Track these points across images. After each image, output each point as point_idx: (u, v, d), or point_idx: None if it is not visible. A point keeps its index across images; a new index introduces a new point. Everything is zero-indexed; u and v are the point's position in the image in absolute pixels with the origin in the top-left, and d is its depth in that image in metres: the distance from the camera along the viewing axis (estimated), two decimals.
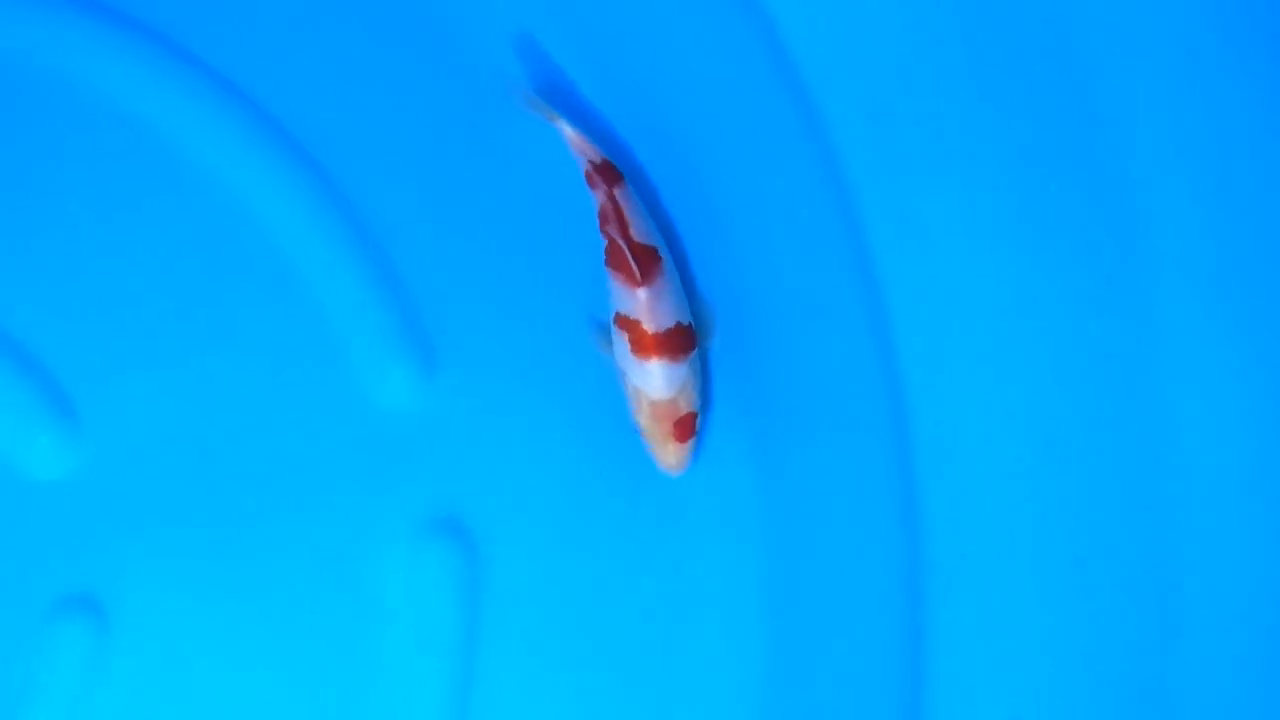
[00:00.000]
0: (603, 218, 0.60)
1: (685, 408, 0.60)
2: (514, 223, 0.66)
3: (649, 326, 0.59)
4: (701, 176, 0.64)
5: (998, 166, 0.60)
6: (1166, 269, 0.59)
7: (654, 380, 0.59)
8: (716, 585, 0.63)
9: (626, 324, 0.60)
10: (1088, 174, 0.60)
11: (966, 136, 0.60)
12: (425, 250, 0.66)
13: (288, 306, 0.66)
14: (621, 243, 0.58)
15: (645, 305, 0.59)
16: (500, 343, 0.65)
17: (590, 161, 0.60)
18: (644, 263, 0.59)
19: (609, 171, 0.60)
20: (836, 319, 0.63)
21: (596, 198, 0.60)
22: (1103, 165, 0.60)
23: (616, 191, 0.59)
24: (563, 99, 0.64)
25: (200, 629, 0.64)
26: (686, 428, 0.60)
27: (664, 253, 0.60)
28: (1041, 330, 0.60)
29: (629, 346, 0.60)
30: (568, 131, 0.60)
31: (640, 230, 0.59)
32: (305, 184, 0.66)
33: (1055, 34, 0.60)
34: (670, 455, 0.60)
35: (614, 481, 0.64)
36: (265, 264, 0.66)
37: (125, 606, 0.64)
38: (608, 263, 0.60)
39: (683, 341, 0.60)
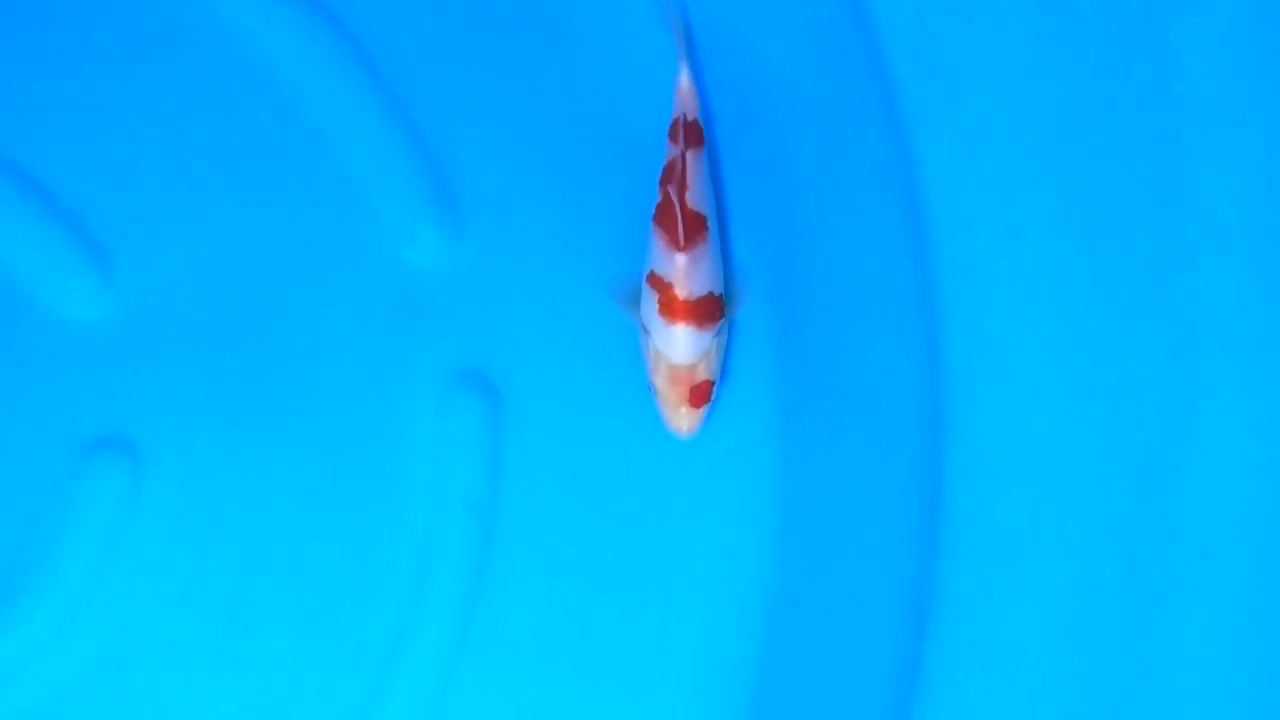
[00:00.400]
0: (668, 173, 0.60)
1: (703, 375, 0.60)
2: (546, 85, 0.68)
3: (681, 291, 0.59)
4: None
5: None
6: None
7: (677, 345, 0.59)
8: (733, 443, 0.65)
9: (660, 285, 0.60)
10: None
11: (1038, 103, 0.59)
12: (454, 111, 0.68)
13: (317, 165, 0.68)
14: (676, 204, 0.59)
15: (682, 270, 0.59)
16: (527, 204, 0.67)
17: (686, 115, 0.61)
18: (691, 228, 0.59)
19: (696, 132, 0.60)
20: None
21: (670, 151, 0.60)
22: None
23: (691, 154, 0.60)
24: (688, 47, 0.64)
25: (231, 471, 0.66)
26: (702, 395, 0.60)
27: (712, 222, 0.61)
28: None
29: (658, 308, 0.60)
30: (684, 78, 0.61)
31: (697, 196, 0.60)
32: (334, 43, 0.67)
33: None
34: (682, 420, 0.60)
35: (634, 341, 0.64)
36: (295, 122, 0.68)
37: (159, 447, 0.66)
38: (655, 219, 0.60)
39: (712, 311, 0.60)
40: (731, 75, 0.65)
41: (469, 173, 0.68)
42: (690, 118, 0.61)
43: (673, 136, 0.61)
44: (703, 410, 0.61)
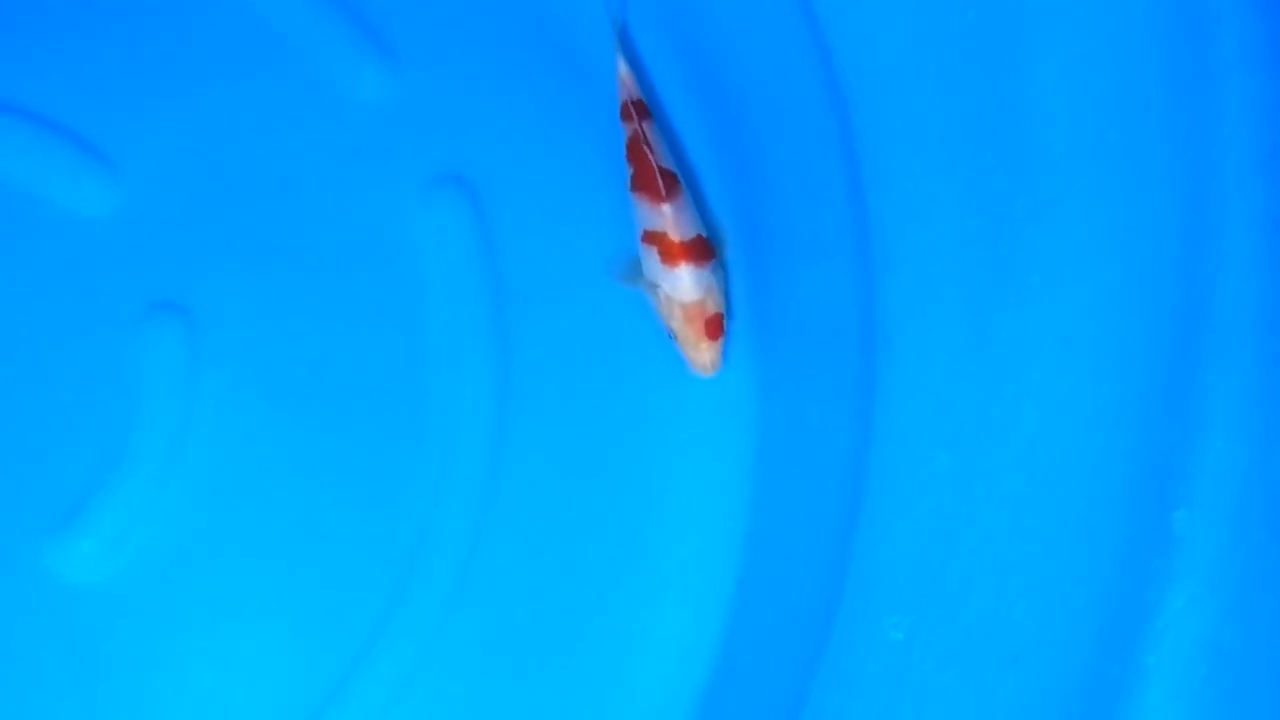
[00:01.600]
0: (632, 147, 0.68)
1: (713, 308, 0.66)
2: None
3: (675, 236, 0.66)
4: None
5: None
6: None
7: (684, 283, 0.66)
8: None
9: (655, 238, 0.67)
10: None
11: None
12: None
13: (268, 43, 0.77)
14: (652, 162, 0.66)
15: (670, 218, 0.66)
16: (456, 31, 0.77)
17: (631, 97, 0.69)
18: (668, 182, 0.66)
19: (643, 108, 0.69)
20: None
21: (627, 130, 0.69)
22: None
23: (646, 125, 0.68)
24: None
25: (268, 315, 0.75)
26: (716, 326, 0.66)
27: (681, 179, 0.68)
28: None
29: (659, 257, 0.66)
30: (623, 68, 0.70)
31: (665, 157, 0.68)
32: None
33: None
34: (704, 353, 0.66)
35: (596, 130, 0.73)
36: (245, 20, 0.77)
37: (203, 303, 0.75)
38: (633, 187, 0.68)
39: (705, 249, 0.67)
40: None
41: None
42: (635, 97, 0.69)
43: (625, 116, 0.69)
44: (720, 342, 0.67)
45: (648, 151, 0.67)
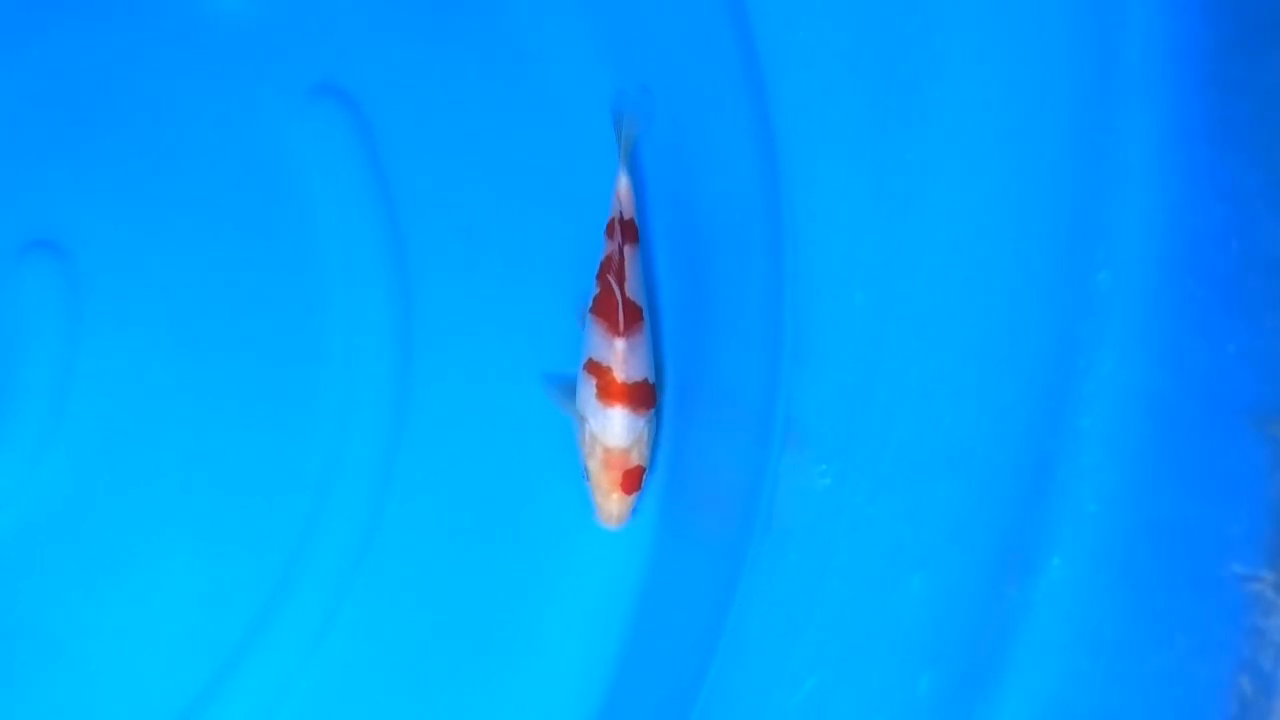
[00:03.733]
0: (605, 266, 0.63)
1: (636, 460, 0.62)
2: None
3: (619, 375, 0.62)
4: None
5: None
6: None
7: (614, 427, 0.61)
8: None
9: (598, 370, 0.62)
10: None
11: None
12: None
13: None
14: (617, 293, 0.62)
15: (620, 355, 0.62)
16: None
17: (622, 215, 0.64)
18: (629, 316, 0.62)
19: (632, 230, 0.64)
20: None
21: (608, 246, 0.64)
22: None
23: (628, 249, 0.63)
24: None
25: (148, 240, 0.71)
26: (634, 480, 0.62)
27: (646, 315, 0.63)
28: None
29: (595, 392, 0.62)
30: (623, 181, 0.64)
31: (634, 288, 0.63)
32: None
33: None
34: (613, 505, 0.62)
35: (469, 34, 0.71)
36: None
37: (77, 238, 0.71)
38: (593, 310, 0.63)
39: (646, 396, 0.62)
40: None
41: None
42: (627, 216, 0.64)
43: (610, 234, 0.64)
44: (633, 497, 0.62)
45: (616, 280, 0.62)
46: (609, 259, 0.63)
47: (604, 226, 0.64)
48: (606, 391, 0.62)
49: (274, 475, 0.69)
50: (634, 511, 0.63)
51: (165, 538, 0.68)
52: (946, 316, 0.48)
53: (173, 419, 0.70)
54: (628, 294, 0.62)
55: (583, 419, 0.63)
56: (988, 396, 0.42)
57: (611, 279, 0.62)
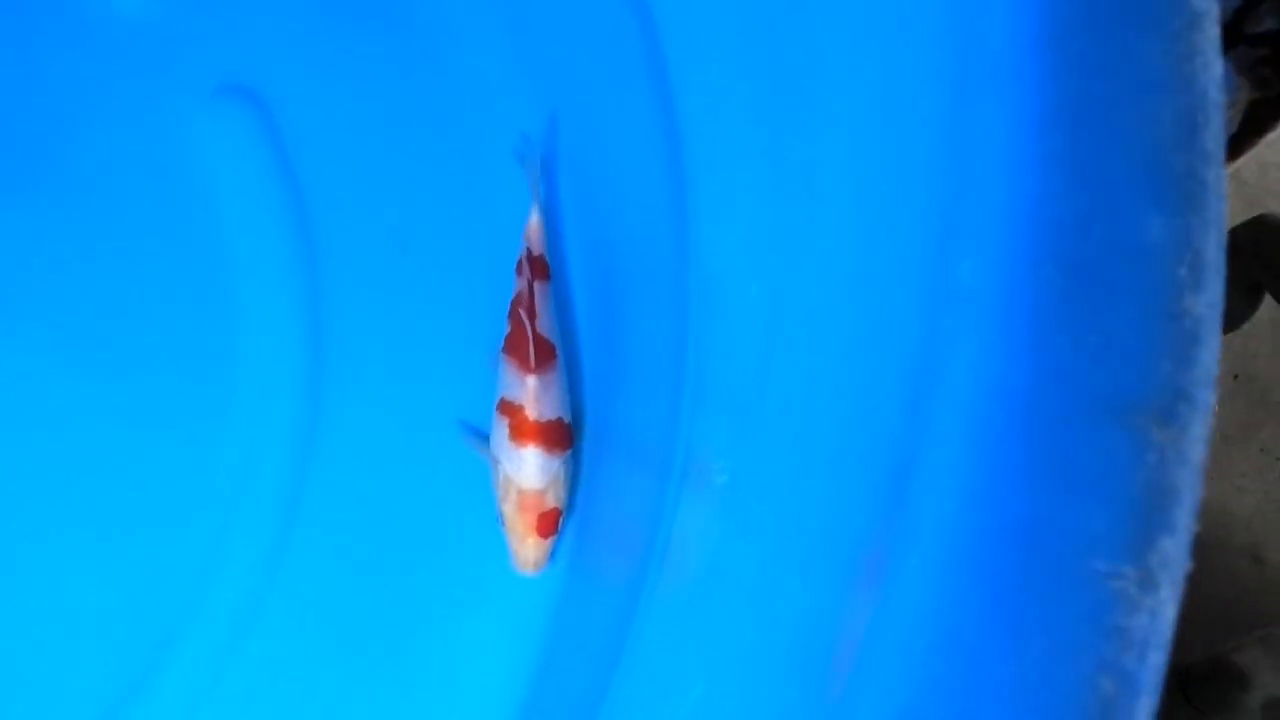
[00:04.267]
0: (516, 303, 0.61)
1: (552, 503, 0.60)
2: None
3: (532, 414, 0.60)
4: None
5: None
6: None
7: (528, 468, 0.59)
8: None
9: (510, 410, 0.60)
10: None
11: None
12: None
13: None
14: (528, 329, 0.59)
15: (532, 392, 0.60)
16: None
17: (531, 251, 0.62)
18: (541, 353, 0.60)
19: (541, 266, 0.62)
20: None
21: (518, 283, 0.62)
22: None
23: (539, 285, 0.61)
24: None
25: (52, 247, 0.70)
26: (550, 523, 0.60)
27: (559, 352, 0.61)
28: None
29: (508, 432, 0.60)
30: (535, 217, 0.62)
31: (546, 324, 0.61)
32: None
33: None
34: (530, 550, 0.60)
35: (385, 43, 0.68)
36: None
37: None
38: (505, 348, 0.61)
39: (561, 436, 0.60)
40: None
41: None
42: (536, 252, 0.62)
43: (519, 270, 0.62)
44: (550, 541, 0.60)
45: (527, 315, 0.60)
46: (519, 295, 0.61)
47: (515, 263, 0.63)
48: (519, 431, 0.60)
49: (182, 489, 0.68)
50: (552, 557, 0.61)
51: (70, 553, 0.67)
52: (829, 309, 0.47)
53: (76, 431, 0.68)
54: (539, 330, 0.60)
55: (497, 461, 0.61)
56: (862, 392, 0.41)
57: (523, 314, 0.60)
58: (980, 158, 0.36)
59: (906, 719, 0.31)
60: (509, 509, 0.60)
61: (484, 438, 0.62)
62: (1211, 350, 0.32)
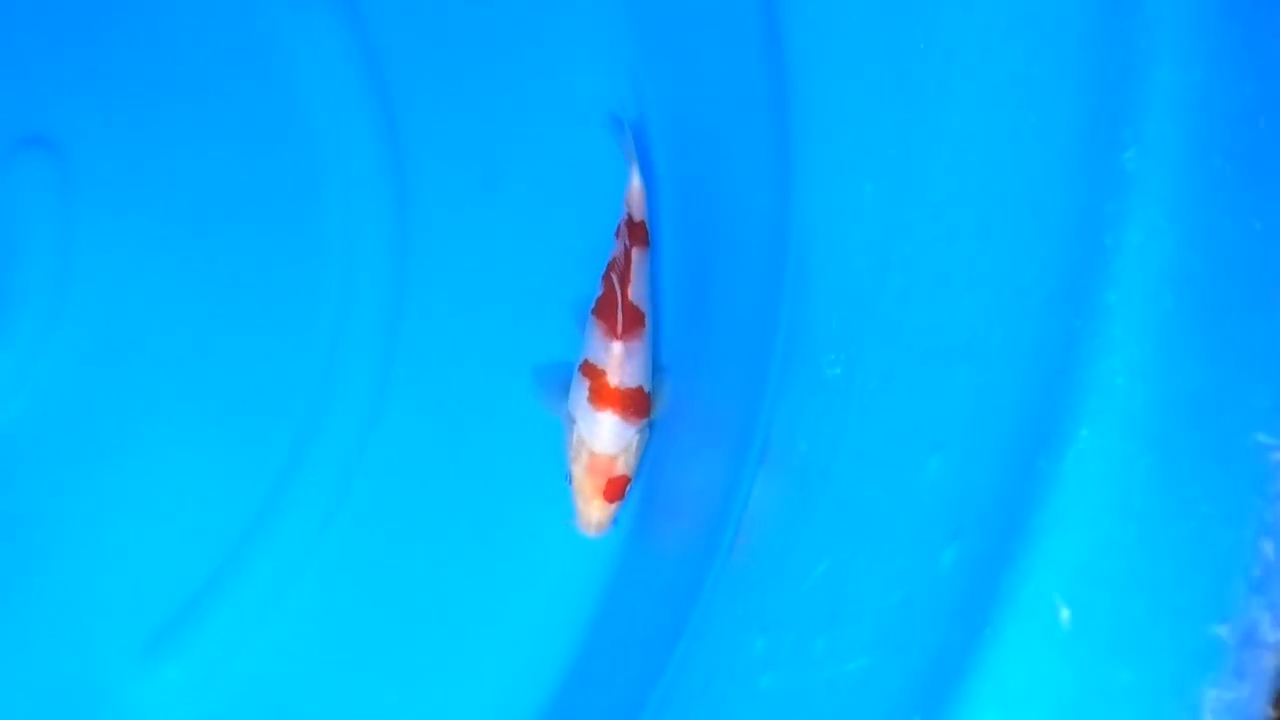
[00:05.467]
0: (611, 267, 0.62)
1: (621, 469, 0.60)
2: None
3: (614, 379, 0.60)
4: None
5: None
6: None
7: (602, 432, 0.60)
8: None
9: (592, 372, 0.61)
10: None
11: None
12: None
13: None
14: (619, 294, 0.60)
15: (617, 359, 0.60)
16: None
17: (632, 217, 0.62)
18: (629, 320, 0.60)
19: (642, 233, 0.62)
20: None
21: (616, 246, 0.62)
22: None
23: (636, 252, 0.61)
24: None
25: (144, 136, 0.72)
26: (618, 489, 0.60)
27: (649, 321, 0.62)
28: None
29: (588, 394, 0.61)
30: (635, 181, 0.62)
31: (639, 292, 0.61)
32: None
33: None
34: (594, 512, 0.60)
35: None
36: None
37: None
38: (594, 310, 0.62)
39: (639, 404, 0.61)
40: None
41: None
42: (638, 219, 0.62)
43: (619, 235, 0.62)
44: (615, 506, 0.61)
45: (620, 281, 0.61)
46: (615, 260, 0.62)
47: (615, 227, 0.63)
48: (599, 395, 0.60)
49: (274, 369, 0.70)
50: (614, 521, 0.62)
51: (167, 430, 0.69)
52: (963, 202, 0.48)
53: (172, 312, 0.70)
54: (630, 297, 0.61)
55: (572, 421, 0.62)
56: (1007, 278, 0.43)
57: (615, 279, 0.61)
58: (1145, 46, 0.37)
59: (1079, 575, 0.33)
60: (578, 470, 0.61)
61: (562, 393, 0.63)
62: None
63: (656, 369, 0.64)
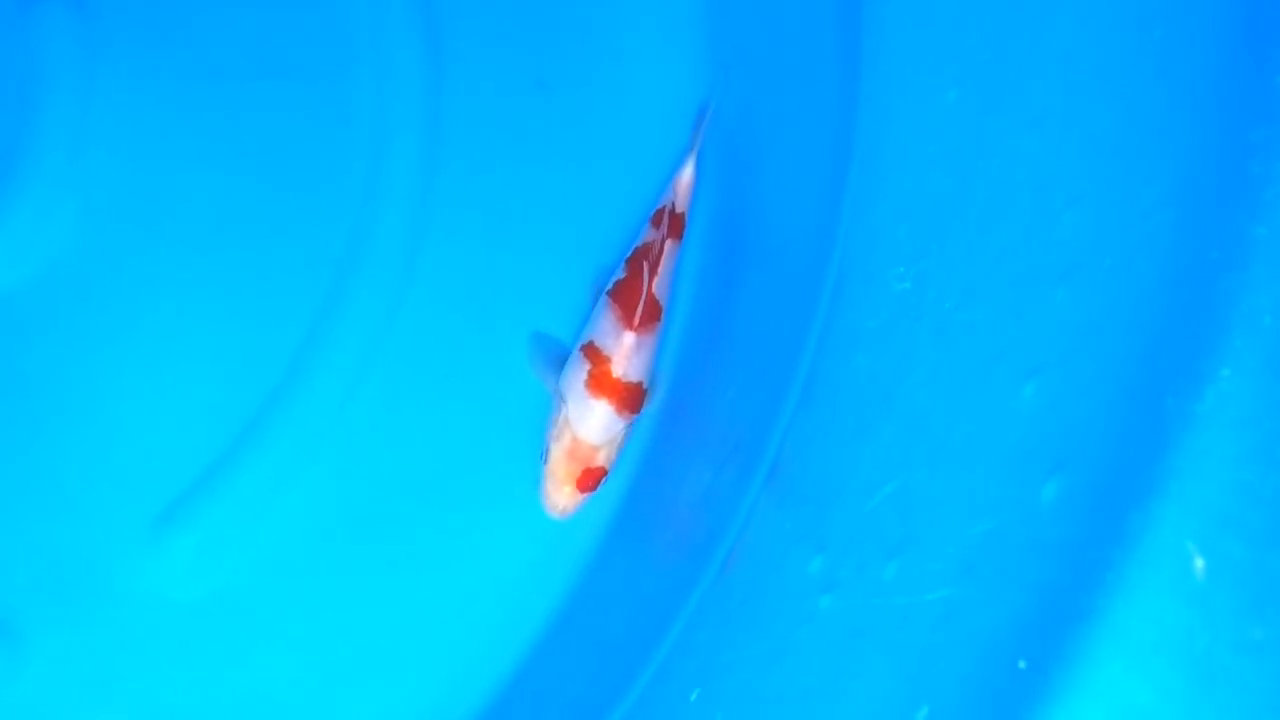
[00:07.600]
0: (641, 253, 0.59)
1: (601, 461, 0.58)
2: None
3: (618, 369, 0.58)
4: None
5: None
6: None
7: (593, 420, 0.58)
8: None
9: (596, 357, 0.58)
10: None
11: None
12: None
13: None
14: (644, 283, 0.58)
15: (626, 350, 0.58)
16: None
17: (675, 207, 0.60)
18: (648, 312, 0.58)
19: (680, 226, 0.60)
20: None
21: (648, 233, 0.60)
22: None
23: (670, 243, 0.59)
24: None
25: None
26: (591, 481, 0.58)
27: (664, 317, 0.59)
28: None
29: (586, 378, 0.58)
30: (688, 172, 0.60)
31: (663, 286, 0.59)
32: None
33: None
34: (563, 497, 0.59)
35: None
36: None
37: None
38: (611, 292, 0.59)
39: (636, 400, 0.59)
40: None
41: None
42: (679, 210, 0.60)
43: (655, 222, 0.60)
44: (584, 497, 0.59)
45: (651, 272, 0.58)
46: (647, 246, 0.60)
47: (650, 213, 0.61)
48: (598, 382, 0.58)
49: (296, 243, 0.67)
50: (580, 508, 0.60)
51: (183, 299, 0.66)
52: (1070, 112, 0.45)
53: (193, 178, 0.67)
54: (654, 289, 0.59)
55: (561, 400, 0.59)
56: (1119, 199, 0.40)
57: (645, 267, 0.58)
58: None
59: (1215, 519, 0.31)
60: (557, 452, 0.59)
61: (556, 366, 0.61)
62: None
63: (657, 366, 0.62)
